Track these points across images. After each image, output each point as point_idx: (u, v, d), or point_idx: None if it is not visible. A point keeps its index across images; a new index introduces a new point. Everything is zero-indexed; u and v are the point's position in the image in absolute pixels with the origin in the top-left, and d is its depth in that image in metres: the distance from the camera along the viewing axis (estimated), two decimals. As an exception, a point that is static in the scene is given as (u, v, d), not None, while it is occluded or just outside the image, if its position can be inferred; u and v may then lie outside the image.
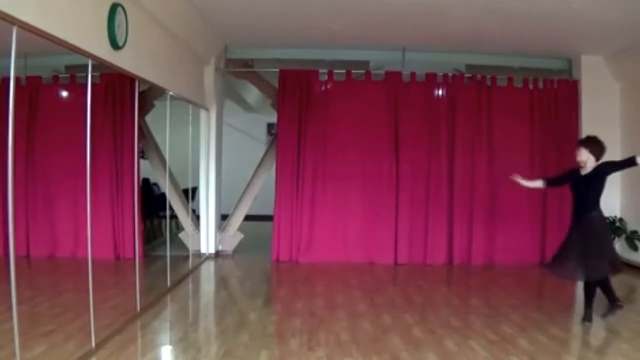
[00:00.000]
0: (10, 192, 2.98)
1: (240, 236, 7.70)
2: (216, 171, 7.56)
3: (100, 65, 3.88)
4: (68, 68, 6.83)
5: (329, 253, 7.24)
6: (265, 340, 4.09)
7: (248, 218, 7.85)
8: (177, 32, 5.55)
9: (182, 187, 7.62)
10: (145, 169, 7.49)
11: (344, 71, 7.35)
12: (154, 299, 5.10)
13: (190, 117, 6.71)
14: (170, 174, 6.71)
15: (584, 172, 4.53)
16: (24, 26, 2.86)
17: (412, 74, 7.30)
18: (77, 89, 6.53)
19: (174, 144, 5.97)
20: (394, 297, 5.67)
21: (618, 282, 6.63)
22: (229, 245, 7.68)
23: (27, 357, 3.39)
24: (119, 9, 4.01)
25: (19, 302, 2.95)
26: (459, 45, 7.09)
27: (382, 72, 7.40)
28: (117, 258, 6.82)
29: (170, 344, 4.14)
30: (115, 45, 3.98)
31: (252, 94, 10.08)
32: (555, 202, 7.28)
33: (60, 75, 6.90)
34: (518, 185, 4.88)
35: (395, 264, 7.17)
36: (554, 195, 7.29)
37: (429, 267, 7.12)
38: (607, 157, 7.27)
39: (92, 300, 3.76)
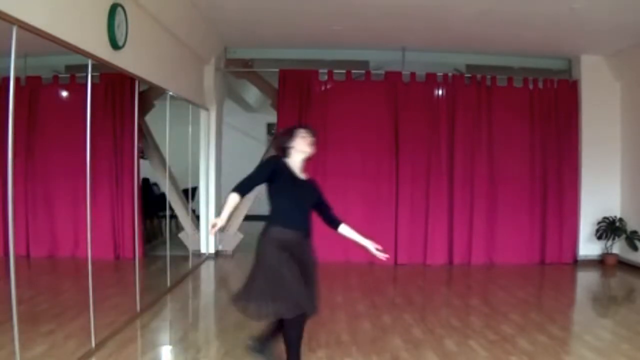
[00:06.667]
0: (10, 192, 2.98)
1: (240, 236, 7.69)
2: (216, 171, 7.55)
3: (100, 65, 3.87)
4: (68, 68, 6.81)
5: (328, 253, 7.19)
6: (265, 340, 4.08)
7: (248, 218, 7.84)
8: (177, 32, 5.55)
9: (182, 187, 7.61)
10: (145, 169, 7.48)
11: (344, 71, 7.34)
12: (154, 298, 5.10)
13: (190, 117, 6.71)
14: (170, 174, 6.71)
15: (299, 174, 3.27)
16: (24, 26, 2.86)
17: (412, 74, 7.30)
18: (77, 89, 6.51)
19: (174, 144, 5.97)
20: (394, 297, 5.67)
21: (619, 282, 6.68)
22: (229, 245, 7.67)
23: (27, 357, 3.39)
24: (119, 9, 4.01)
25: (19, 302, 2.95)
26: (459, 45, 7.09)
27: (382, 72, 7.40)
28: (117, 258, 6.81)
29: (170, 343, 4.15)
30: (115, 45, 3.98)
31: (252, 94, 10.08)
32: (556, 201, 7.30)
33: (60, 75, 6.89)
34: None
35: (395, 264, 7.16)
36: (554, 194, 7.31)
37: (429, 267, 7.12)
38: (607, 160, 7.50)
39: (92, 300, 3.76)
